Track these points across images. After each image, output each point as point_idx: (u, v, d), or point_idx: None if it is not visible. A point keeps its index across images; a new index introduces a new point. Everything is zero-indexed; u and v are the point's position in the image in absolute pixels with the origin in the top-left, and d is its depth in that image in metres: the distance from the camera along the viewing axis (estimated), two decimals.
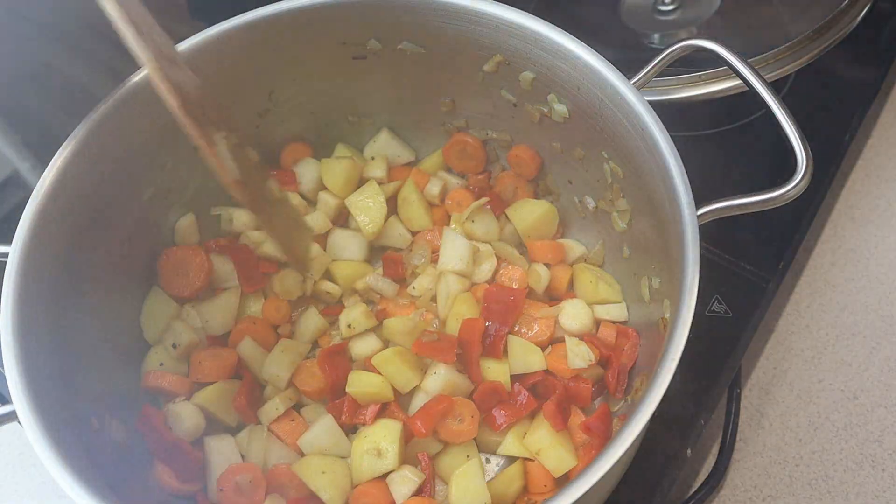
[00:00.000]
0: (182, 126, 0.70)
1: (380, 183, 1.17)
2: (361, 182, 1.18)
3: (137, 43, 0.69)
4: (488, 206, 1.13)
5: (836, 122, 1.30)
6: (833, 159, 1.26)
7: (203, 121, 0.72)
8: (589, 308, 1.06)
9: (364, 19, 1.03)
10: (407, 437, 0.98)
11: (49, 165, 0.91)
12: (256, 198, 0.79)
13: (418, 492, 0.95)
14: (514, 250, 1.11)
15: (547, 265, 1.10)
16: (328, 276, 1.13)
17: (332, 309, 1.12)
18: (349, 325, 1.06)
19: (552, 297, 1.11)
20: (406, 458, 0.98)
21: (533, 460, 0.97)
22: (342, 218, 1.18)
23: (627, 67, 0.92)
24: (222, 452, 0.99)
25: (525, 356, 1.02)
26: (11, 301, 0.83)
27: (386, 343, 1.06)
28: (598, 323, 1.06)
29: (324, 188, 1.17)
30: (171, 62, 0.72)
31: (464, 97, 1.12)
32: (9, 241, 0.86)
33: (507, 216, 1.14)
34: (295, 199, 1.16)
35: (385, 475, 0.96)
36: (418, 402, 1.01)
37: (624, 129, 0.91)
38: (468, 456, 0.98)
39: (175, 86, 0.70)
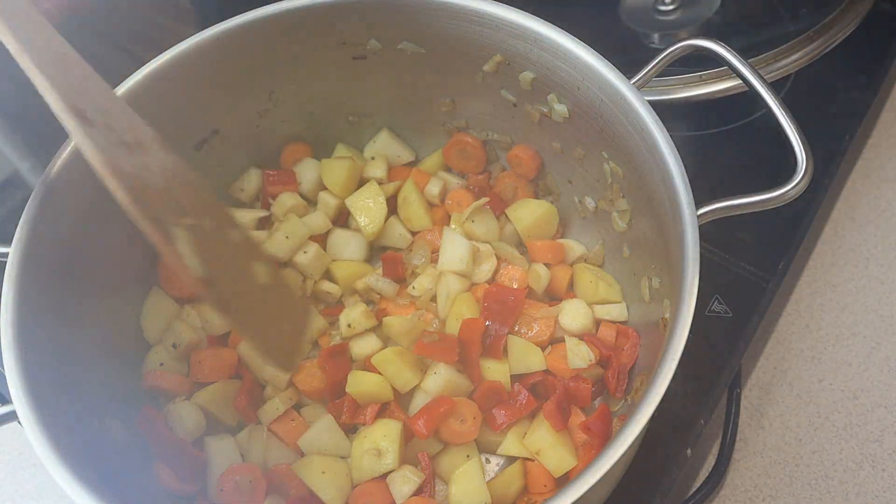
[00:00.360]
0: (134, 222, 0.65)
1: (380, 183, 1.17)
2: (361, 182, 1.18)
3: (80, 135, 0.63)
4: (488, 206, 1.13)
5: (836, 122, 1.30)
6: (833, 159, 1.26)
7: (164, 212, 0.66)
8: (589, 308, 1.06)
9: (364, 19, 1.03)
10: (407, 437, 0.98)
11: (49, 165, 0.91)
12: (226, 296, 0.70)
13: (418, 492, 0.95)
14: (514, 250, 1.11)
15: (547, 265, 1.10)
16: (328, 276, 1.13)
17: (332, 309, 1.12)
18: (349, 325, 1.06)
19: (552, 297, 1.11)
20: (406, 458, 0.98)
21: (533, 460, 0.97)
22: (342, 218, 1.18)
23: (627, 67, 0.92)
24: (222, 452, 0.99)
25: (525, 356, 1.02)
26: (11, 301, 0.83)
27: (386, 343, 1.06)
28: (598, 323, 1.06)
29: (324, 188, 1.17)
30: (130, 148, 0.66)
31: (464, 97, 1.13)
32: (9, 241, 0.86)
33: (507, 216, 1.14)
34: (294, 200, 1.16)
35: (385, 475, 0.96)
36: (418, 402, 1.01)
37: (624, 128, 0.91)
38: (468, 456, 0.98)
39: (129, 177, 0.64)
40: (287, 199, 1.15)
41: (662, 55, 0.93)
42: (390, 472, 0.96)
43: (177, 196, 0.69)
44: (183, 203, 0.69)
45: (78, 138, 0.64)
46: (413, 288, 1.09)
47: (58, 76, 0.64)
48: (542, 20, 0.95)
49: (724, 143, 1.29)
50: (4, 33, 0.63)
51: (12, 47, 0.63)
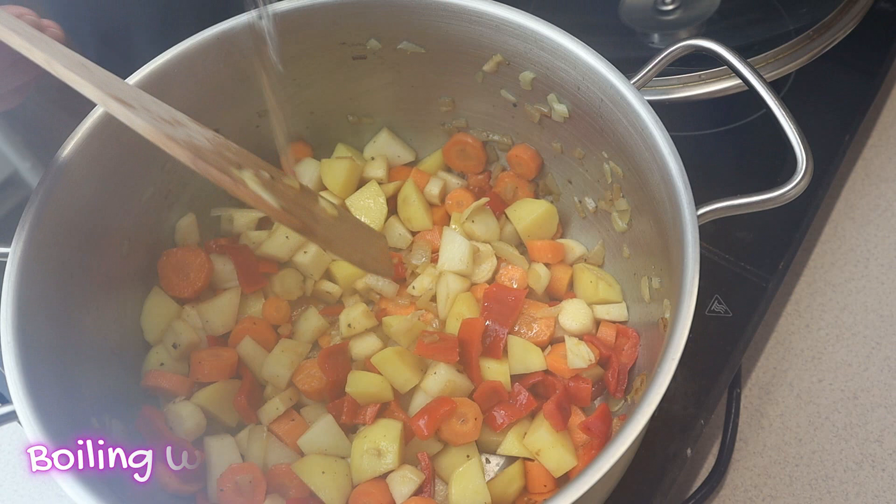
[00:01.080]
0: (204, 175, 0.70)
1: (380, 183, 1.17)
2: (362, 182, 1.18)
3: (126, 115, 0.68)
4: (488, 206, 1.13)
5: (836, 122, 1.30)
6: (833, 159, 1.26)
7: (224, 164, 0.72)
8: (589, 308, 1.06)
9: (364, 19, 1.03)
10: (407, 437, 0.98)
11: (49, 165, 0.91)
12: (308, 222, 0.77)
13: (418, 492, 0.95)
14: (514, 250, 1.11)
15: (547, 265, 1.10)
16: (328, 276, 1.13)
17: (332, 309, 1.12)
18: (349, 325, 1.06)
19: (552, 297, 1.11)
20: (406, 457, 0.98)
21: (533, 460, 0.97)
22: None
23: (627, 67, 0.92)
24: (222, 452, 0.99)
25: (525, 356, 1.02)
26: (11, 301, 0.83)
27: (386, 343, 1.06)
28: (598, 323, 1.06)
29: (324, 188, 1.17)
30: (171, 124, 0.71)
31: (464, 97, 1.13)
32: (9, 242, 0.86)
33: (507, 216, 1.14)
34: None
35: (385, 475, 0.96)
36: (418, 402, 1.01)
37: (624, 128, 0.91)
38: (468, 456, 0.98)
39: (182, 141, 0.69)
40: None
41: (662, 55, 0.93)
42: (390, 472, 0.96)
43: (228, 156, 0.73)
44: (235, 160, 0.73)
45: (125, 118, 0.68)
46: (413, 288, 1.09)
47: (89, 75, 0.69)
48: (542, 20, 0.95)
49: (724, 143, 1.30)
50: (30, 49, 0.68)
51: (40, 58, 0.68)
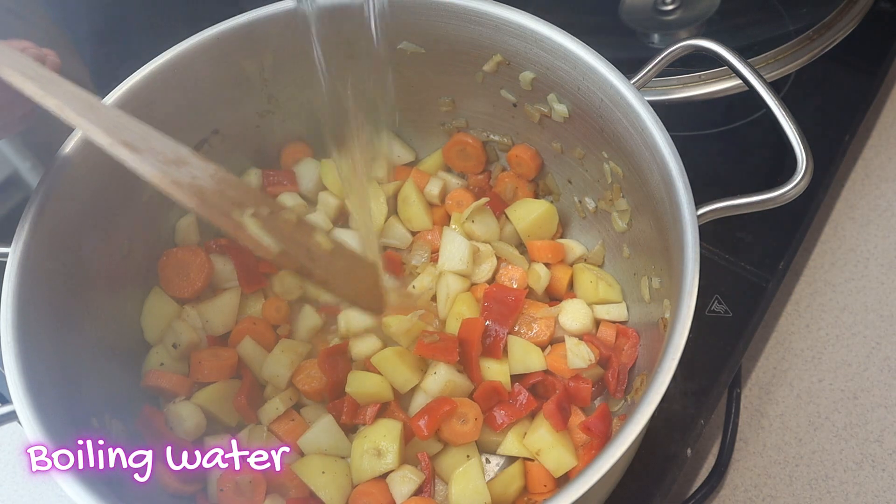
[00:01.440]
0: (208, 220, 0.72)
1: (380, 183, 1.17)
2: None
3: (135, 162, 0.70)
4: (488, 206, 1.13)
5: (836, 122, 1.30)
6: (833, 159, 1.26)
7: (226, 207, 0.74)
8: (589, 308, 1.06)
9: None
10: (407, 437, 0.98)
11: (49, 165, 0.91)
12: (305, 262, 0.79)
13: (418, 492, 0.95)
14: (514, 250, 1.11)
15: (547, 265, 1.10)
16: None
17: (331, 308, 1.12)
18: (349, 326, 1.06)
19: (552, 297, 1.11)
20: (406, 457, 0.98)
21: (533, 460, 0.97)
22: (342, 218, 1.18)
23: (627, 67, 0.92)
24: None
25: (525, 356, 1.02)
26: (11, 301, 0.83)
27: (386, 343, 1.06)
28: (598, 323, 1.06)
29: (324, 188, 1.18)
30: (177, 164, 0.73)
31: (464, 97, 1.13)
32: (9, 242, 0.86)
33: (507, 216, 1.14)
34: (294, 200, 1.16)
35: (385, 475, 0.96)
36: (418, 402, 1.01)
37: (624, 128, 0.91)
38: (468, 456, 0.98)
39: (187, 186, 0.71)
40: (287, 200, 1.15)
41: (662, 55, 0.93)
42: (390, 472, 0.96)
43: (230, 194, 0.75)
44: (237, 198, 0.75)
45: (135, 166, 0.70)
46: (413, 288, 1.09)
47: (98, 119, 0.72)
48: (542, 20, 0.95)
49: (724, 143, 1.29)
50: (44, 96, 0.71)
51: (53, 104, 0.71)
